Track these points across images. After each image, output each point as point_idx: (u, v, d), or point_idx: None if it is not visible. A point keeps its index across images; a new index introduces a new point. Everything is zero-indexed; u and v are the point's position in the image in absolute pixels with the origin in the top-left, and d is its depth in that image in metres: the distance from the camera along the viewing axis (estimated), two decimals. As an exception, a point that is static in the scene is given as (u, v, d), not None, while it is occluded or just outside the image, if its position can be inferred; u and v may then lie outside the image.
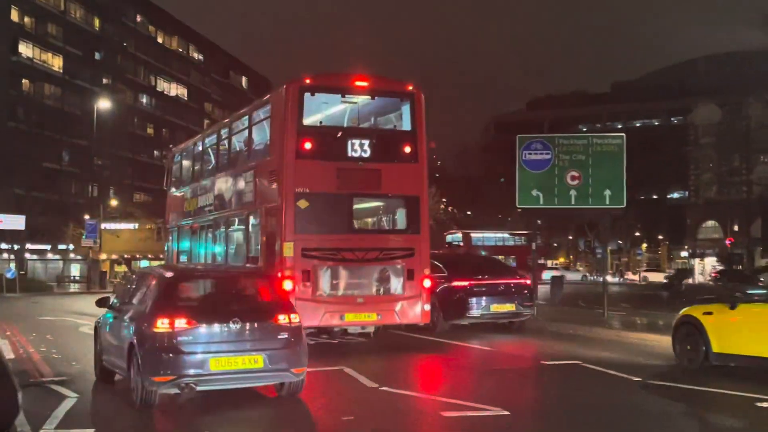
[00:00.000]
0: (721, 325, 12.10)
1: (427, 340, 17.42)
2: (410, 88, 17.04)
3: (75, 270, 74.21)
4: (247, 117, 18.62)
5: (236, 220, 18.38)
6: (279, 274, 15.36)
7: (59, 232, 69.15)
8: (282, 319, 10.01)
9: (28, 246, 70.20)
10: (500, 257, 65.67)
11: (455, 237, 70.26)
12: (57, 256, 76.18)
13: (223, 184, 19.40)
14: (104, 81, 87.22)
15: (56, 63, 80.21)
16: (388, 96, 17.31)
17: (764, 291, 11.97)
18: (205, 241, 20.56)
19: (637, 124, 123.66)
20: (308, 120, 16.46)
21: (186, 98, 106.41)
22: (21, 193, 66.88)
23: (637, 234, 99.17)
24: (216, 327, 9.62)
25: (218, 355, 9.53)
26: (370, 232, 17.46)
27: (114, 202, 71.82)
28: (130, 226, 62.64)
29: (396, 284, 16.27)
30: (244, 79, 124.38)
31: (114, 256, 65.35)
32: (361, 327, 16.52)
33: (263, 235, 16.61)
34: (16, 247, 63.91)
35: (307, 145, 15.93)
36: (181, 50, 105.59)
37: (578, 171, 22.25)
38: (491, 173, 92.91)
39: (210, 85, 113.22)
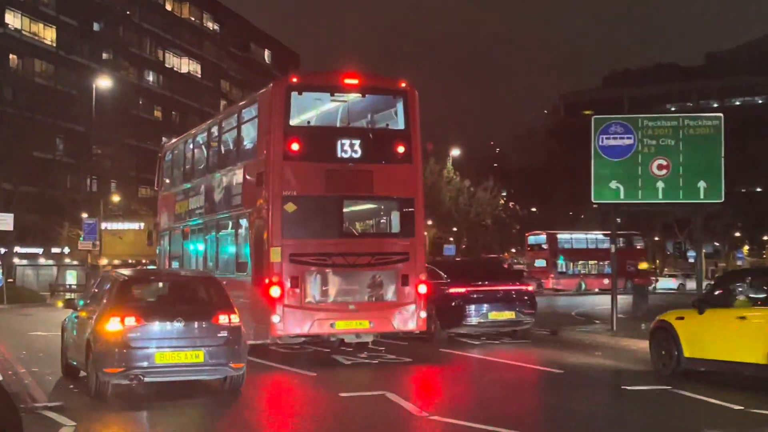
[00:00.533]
0: (691, 329, 14.30)
1: (445, 352, 18.92)
2: (403, 85, 18.81)
3: (71, 277, 75.12)
4: (236, 115, 20.35)
5: (226, 223, 20.22)
6: (266, 281, 17.26)
7: (53, 233, 70.10)
8: (222, 319, 13.00)
9: (17, 249, 71.18)
10: (592, 262, 65.48)
11: (538, 239, 70.05)
12: (50, 261, 77.22)
13: (213, 186, 21.18)
14: (104, 56, 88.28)
15: (48, 35, 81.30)
16: (380, 94, 19.06)
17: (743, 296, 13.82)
18: (196, 246, 22.45)
19: (737, 103, 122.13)
20: (296, 120, 18.22)
21: (199, 75, 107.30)
22: (8, 188, 67.78)
23: (737, 234, 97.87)
24: (162, 325, 12.68)
25: (163, 350, 12.54)
26: (361, 236, 19.10)
27: (116, 198, 72.56)
28: (135, 225, 63.21)
29: (390, 290, 17.79)
30: (267, 53, 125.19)
31: (116, 261, 66.27)
32: (355, 335, 17.85)
33: (252, 240, 18.32)
34: (2, 250, 64.86)
35: (295, 146, 17.60)
36: (193, 19, 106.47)
37: (666, 159, 22.00)
38: (560, 162, 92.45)
39: (227, 60, 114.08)
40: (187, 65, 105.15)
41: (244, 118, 19.77)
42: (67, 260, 75.15)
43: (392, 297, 17.85)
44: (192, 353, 12.70)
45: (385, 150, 18.44)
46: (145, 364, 12.47)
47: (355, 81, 18.67)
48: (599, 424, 11.28)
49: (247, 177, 18.99)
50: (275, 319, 17.16)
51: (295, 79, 18.26)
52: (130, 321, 12.60)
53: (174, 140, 27.46)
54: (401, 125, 18.71)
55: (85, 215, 61.06)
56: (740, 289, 14.11)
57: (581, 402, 12.81)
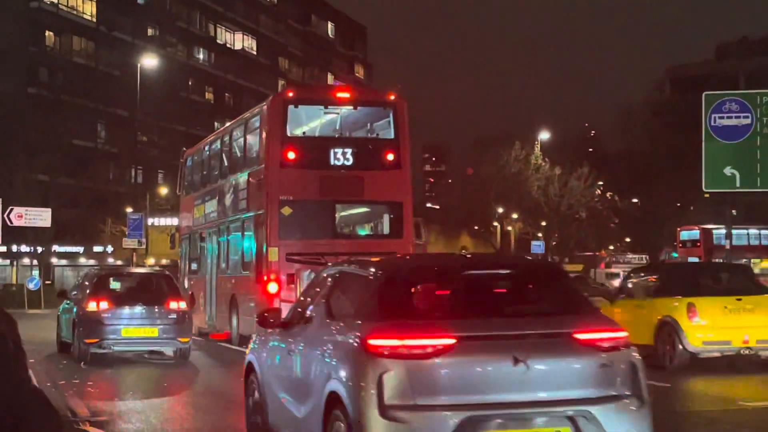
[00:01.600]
0: None
1: None
2: (392, 97, 23.06)
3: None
4: (243, 125, 24.61)
5: (235, 226, 24.61)
6: (265, 278, 21.50)
7: (94, 229, 71.19)
8: (172, 305, 20.30)
9: (55, 248, 72.51)
10: (755, 260, 64.50)
11: (691, 234, 69.37)
12: (92, 261, 78.39)
13: (225, 191, 25.62)
14: (149, 32, 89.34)
15: (88, 10, 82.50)
16: (371, 106, 23.38)
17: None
18: (212, 247, 27.06)
19: None
20: (293, 130, 22.48)
21: (255, 52, 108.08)
22: (45, 180, 68.97)
23: None
24: (127, 308, 20.11)
25: (128, 327, 19.80)
26: (353, 237, 23.18)
27: (164, 191, 73.46)
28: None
29: None
30: (330, 27, 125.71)
31: (165, 261, 67.03)
32: None
33: (254, 241, 22.62)
34: (39, 249, 66.11)
35: (291, 155, 21.76)
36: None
37: (790, 140, 21.56)
38: (666, 146, 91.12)
39: (286, 35, 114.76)
40: (241, 41, 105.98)
41: (249, 128, 23.91)
42: (110, 260, 76.23)
43: None
44: (149, 329, 19.97)
45: (375, 158, 22.44)
46: (114, 336, 19.74)
47: (346, 94, 23.37)
48: None
49: (251, 183, 23.15)
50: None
51: (291, 93, 23.12)
52: (104, 305, 20.02)
53: (193, 147, 32.17)
54: (391, 135, 22.73)
55: (129, 210, 61.73)
56: (641, 283, 19.64)
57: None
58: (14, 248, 72.20)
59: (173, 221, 68.70)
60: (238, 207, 24.22)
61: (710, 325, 17.52)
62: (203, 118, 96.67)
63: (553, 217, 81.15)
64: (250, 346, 10.58)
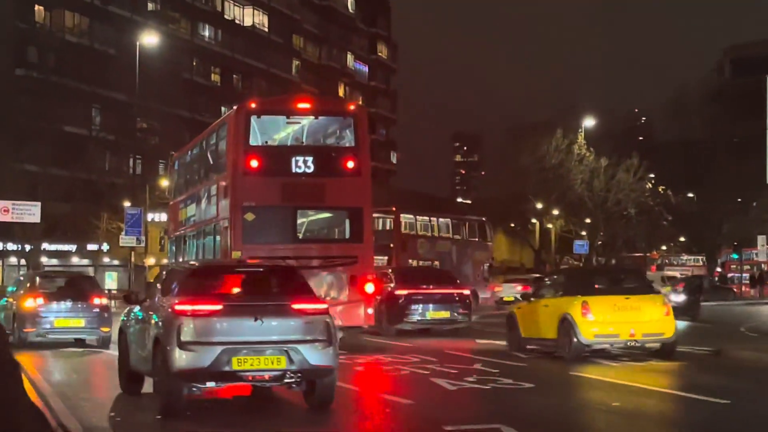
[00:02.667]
0: (522, 316, 24.40)
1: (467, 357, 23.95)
2: (352, 107, 27.96)
3: (111, 280, 76.59)
4: (215, 133, 28.19)
5: (208, 230, 27.90)
6: None
7: (88, 225, 71.37)
8: (96, 300, 27.53)
9: (45, 246, 72.72)
10: None
11: None
12: (86, 261, 78.69)
13: (201, 196, 29.18)
14: (149, 6, 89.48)
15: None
16: (331, 115, 27.33)
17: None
18: (191, 251, 30.50)
19: None
20: (257, 139, 25.89)
21: (266, 29, 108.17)
22: (34, 170, 69.23)
23: None
24: (58, 303, 27.11)
25: (59, 318, 26.93)
26: (314, 242, 26.72)
27: (165, 183, 73.60)
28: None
29: (339, 289, 25.04)
30: (350, 1, 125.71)
31: (166, 261, 67.14)
32: None
33: (223, 245, 25.62)
34: (28, 247, 66.44)
35: (254, 163, 25.01)
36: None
37: None
38: (726, 135, 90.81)
39: (301, 10, 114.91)
40: (251, 17, 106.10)
41: (220, 136, 27.39)
42: (106, 260, 76.50)
43: (341, 296, 24.99)
44: (76, 320, 27.06)
45: (335, 165, 25.74)
46: (48, 327, 26.84)
47: (307, 105, 27.29)
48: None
49: (219, 189, 26.58)
50: None
51: (254, 105, 26.39)
52: (39, 301, 27.05)
53: (180, 151, 35.46)
54: (352, 143, 26.25)
55: (127, 204, 61.84)
56: (550, 284, 24.75)
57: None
58: (0, 246, 72.51)
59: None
60: (210, 212, 27.68)
61: (601, 321, 21.76)
62: (209, 103, 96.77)
63: (599, 213, 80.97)
64: (122, 316, 17.34)
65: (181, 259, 32.32)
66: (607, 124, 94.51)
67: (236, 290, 15.21)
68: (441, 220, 57.83)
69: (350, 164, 25.69)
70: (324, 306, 14.87)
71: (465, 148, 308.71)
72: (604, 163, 79.54)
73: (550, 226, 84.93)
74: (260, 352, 13.64)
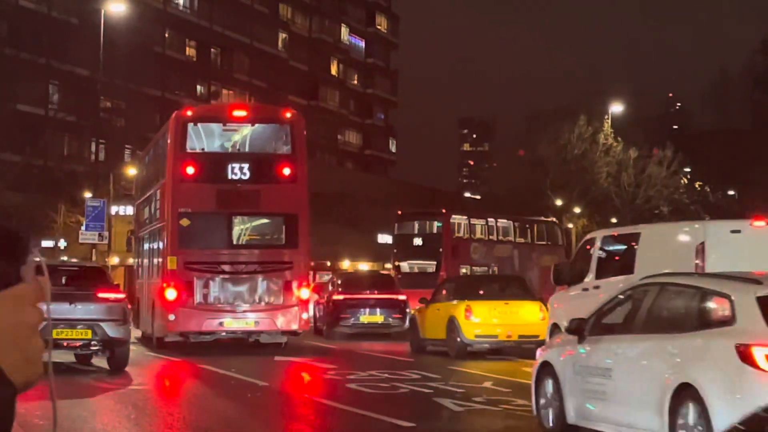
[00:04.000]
0: (422, 318, 29.97)
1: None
2: (288, 114, 30.91)
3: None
4: (161, 137, 32.19)
5: (153, 234, 32.67)
6: (164, 285, 29.10)
7: (44, 219, 71.23)
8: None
9: (-6, 242, 72.74)
10: None
11: None
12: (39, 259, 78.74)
13: (151, 199, 33.69)
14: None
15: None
16: (268, 123, 31.52)
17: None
18: (144, 252, 35.48)
19: None
20: (193, 146, 30.00)
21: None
22: (-18, 155, 69.14)
23: None
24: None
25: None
26: (249, 247, 30.62)
27: (132, 171, 73.52)
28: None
29: (274, 294, 28.99)
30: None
31: (132, 260, 67.01)
32: (257, 335, 29.73)
33: (162, 249, 30.20)
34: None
35: (190, 170, 29.03)
36: None
37: None
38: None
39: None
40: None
41: (165, 141, 30.98)
42: (64, 258, 76.42)
43: (277, 300, 28.97)
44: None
45: (272, 172, 29.58)
46: None
47: (243, 113, 32.11)
48: None
49: (160, 194, 30.89)
50: (171, 317, 28.65)
51: (189, 113, 30.64)
52: None
53: (144, 149, 40.24)
54: (288, 150, 30.16)
55: (88, 195, 61.78)
56: (444, 290, 29.94)
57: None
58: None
59: (143, 210, 68.92)
60: (155, 216, 32.09)
61: (482, 323, 27.62)
62: (183, 80, 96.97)
63: (627, 211, 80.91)
64: None
65: (138, 261, 38.64)
66: (638, 111, 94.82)
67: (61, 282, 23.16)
68: (502, 222, 58.46)
69: (286, 171, 29.59)
70: (121, 296, 24.07)
71: (474, 135, 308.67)
72: (634, 155, 79.58)
73: (570, 225, 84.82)
74: (73, 326, 22.23)
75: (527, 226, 59.69)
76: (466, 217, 57.07)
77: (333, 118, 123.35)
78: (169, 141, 29.83)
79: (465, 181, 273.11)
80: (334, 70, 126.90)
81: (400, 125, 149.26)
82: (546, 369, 14.98)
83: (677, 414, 12.19)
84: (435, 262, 52.24)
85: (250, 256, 29.54)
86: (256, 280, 28.98)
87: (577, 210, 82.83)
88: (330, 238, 72.58)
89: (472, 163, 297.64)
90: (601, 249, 24.02)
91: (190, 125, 29.87)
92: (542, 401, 14.93)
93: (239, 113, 31.83)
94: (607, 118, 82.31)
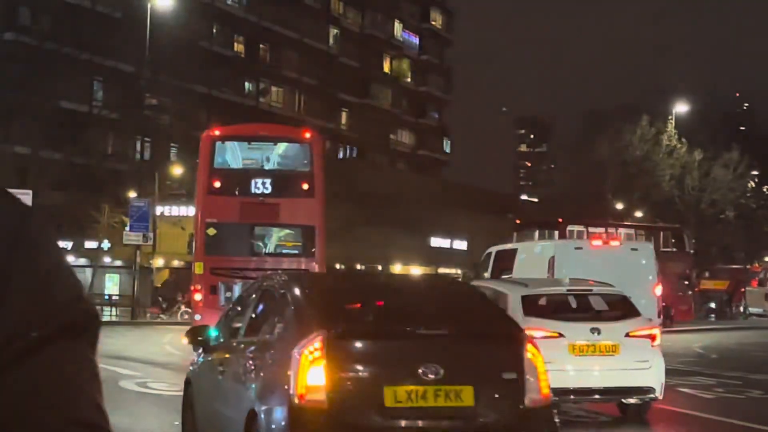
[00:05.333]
0: None
1: None
2: (308, 135, 35.21)
3: (112, 284, 76.80)
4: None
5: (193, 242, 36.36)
6: (192, 288, 33.39)
7: (86, 219, 71.57)
8: None
9: (36, 242, 73.04)
10: None
11: None
12: (82, 261, 79.01)
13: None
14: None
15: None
16: (289, 142, 35.42)
17: None
18: None
19: None
20: (220, 162, 33.80)
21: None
22: (23, 153, 69.51)
23: None
24: None
25: None
26: (269, 255, 34.13)
27: (178, 170, 73.81)
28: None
29: None
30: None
31: (177, 263, 67.27)
32: None
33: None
34: (15, 243, 66.58)
35: (217, 184, 32.95)
36: None
37: None
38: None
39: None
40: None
41: (197, 158, 35.67)
42: (107, 260, 76.78)
43: None
44: None
45: (291, 187, 33.32)
46: None
47: (267, 133, 37.48)
48: None
49: (195, 205, 35.74)
50: (197, 317, 31.52)
51: (218, 132, 34.86)
52: None
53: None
54: (307, 167, 33.72)
55: (132, 194, 62.16)
56: None
57: None
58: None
59: (189, 211, 68.92)
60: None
61: None
62: (231, 77, 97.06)
63: (690, 216, 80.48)
64: None
65: None
66: (703, 111, 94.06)
67: None
68: (623, 230, 58.73)
69: (305, 186, 33.42)
70: None
71: (532, 136, 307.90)
72: (698, 157, 79.14)
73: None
74: None
75: (651, 233, 59.63)
76: (583, 227, 57.48)
77: (385, 117, 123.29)
78: (199, 157, 34.51)
79: (522, 183, 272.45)
80: (386, 67, 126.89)
81: (454, 125, 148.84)
82: None
83: None
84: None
85: (269, 263, 32.94)
86: None
87: (638, 215, 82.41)
88: (381, 241, 72.71)
89: (529, 164, 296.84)
90: (495, 257, 33.39)
91: (218, 143, 34.25)
92: None
93: (264, 132, 37.51)
94: (671, 118, 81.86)
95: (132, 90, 71.89)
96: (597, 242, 30.81)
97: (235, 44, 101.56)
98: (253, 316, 13.08)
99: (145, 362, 30.02)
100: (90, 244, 75.58)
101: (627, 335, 18.56)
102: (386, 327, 11.27)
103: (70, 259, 78.51)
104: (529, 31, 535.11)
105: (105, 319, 57.89)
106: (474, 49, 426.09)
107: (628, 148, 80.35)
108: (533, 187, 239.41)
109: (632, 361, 18.51)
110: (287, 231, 35.08)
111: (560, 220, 57.11)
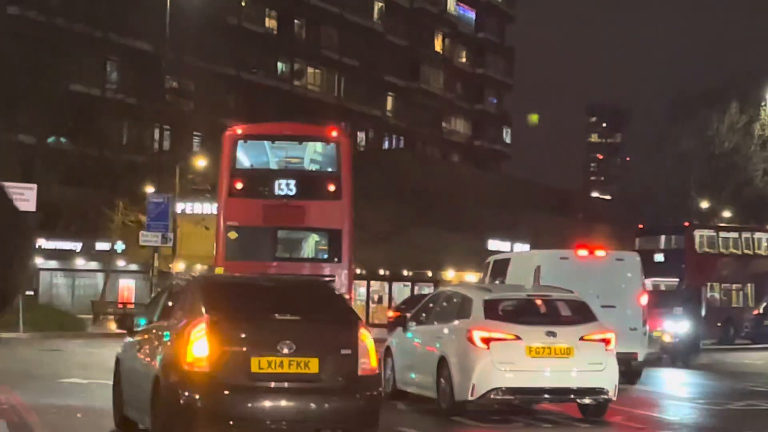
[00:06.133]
0: None
1: None
2: (334, 133, 37.16)
3: (126, 291, 76.98)
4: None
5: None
6: None
7: (98, 217, 71.82)
8: None
9: (42, 243, 73.38)
10: None
11: None
12: (94, 264, 79.32)
13: None
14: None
15: None
16: (314, 141, 37.29)
17: None
18: None
19: None
20: (242, 163, 35.56)
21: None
22: (29, 142, 69.80)
23: None
24: None
25: None
26: (292, 260, 35.61)
27: (201, 162, 73.90)
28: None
29: None
30: None
31: (200, 266, 67.31)
32: None
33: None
34: (19, 244, 66.84)
35: (239, 185, 34.49)
36: None
37: None
38: None
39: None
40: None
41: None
42: (121, 263, 77.03)
43: None
44: None
45: (317, 188, 34.97)
46: None
47: (290, 131, 38.68)
48: None
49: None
50: None
51: (239, 131, 36.61)
52: None
53: None
54: (333, 168, 35.51)
55: (150, 190, 62.26)
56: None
57: None
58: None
59: (213, 208, 69.01)
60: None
61: None
62: (262, 56, 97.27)
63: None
64: None
65: None
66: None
67: None
68: (761, 234, 60.08)
69: (331, 188, 34.98)
70: None
71: (604, 125, 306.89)
72: (795, 150, 78.69)
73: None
74: None
75: None
76: (713, 231, 59.30)
77: (436, 102, 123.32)
78: (221, 158, 36.34)
79: (593, 178, 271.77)
80: (438, 47, 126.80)
81: (516, 112, 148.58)
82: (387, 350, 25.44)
83: (440, 376, 21.92)
84: (677, 279, 53.78)
85: (293, 269, 34.01)
86: None
87: (726, 214, 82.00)
88: (432, 243, 72.50)
89: (600, 157, 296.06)
90: (493, 266, 36.27)
91: (240, 142, 36.06)
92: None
93: (288, 131, 38.98)
94: (765, 105, 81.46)
95: (150, 72, 71.95)
96: (582, 252, 33.38)
97: (267, 20, 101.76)
98: (165, 307, 18.15)
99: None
100: (102, 246, 75.92)
101: (581, 339, 21.69)
102: (253, 314, 16.50)
103: (80, 262, 78.93)
104: (603, 6, 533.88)
105: (118, 330, 57.84)
106: (539, 26, 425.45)
107: (715, 139, 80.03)
108: (604, 184, 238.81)
109: (586, 363, 21.70)
110: (312, 234, 37.00)
111: (686, 224, 58.90)
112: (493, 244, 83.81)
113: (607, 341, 22.01)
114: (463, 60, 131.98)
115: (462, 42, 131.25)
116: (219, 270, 34.11)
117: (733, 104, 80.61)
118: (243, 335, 16.17)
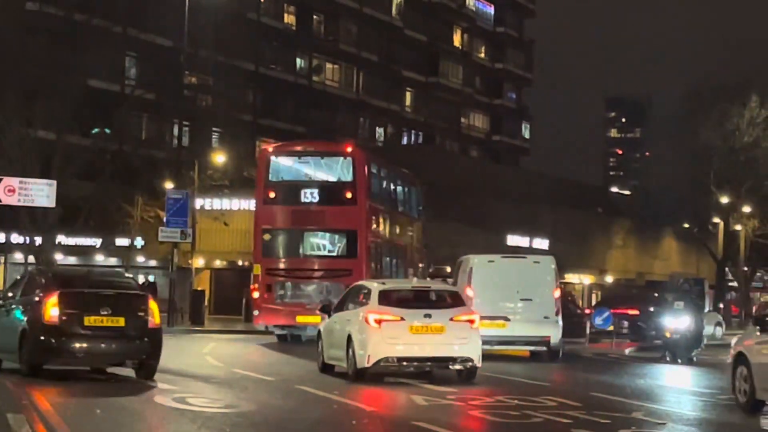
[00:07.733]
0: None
1: None
2: (349, 149, 45.65)
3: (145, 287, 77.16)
4: None
5: None
6: (251, 287, 46.62)
7: (118, 213, 71.97)
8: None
9: (61, 240, 73.41)
10: None
11: None
12: (114, 260, 79.44)
13: None
14: None
15: None
16: (334, 156, 46.42)
17: None
18: None
19: None
20: (275, 175, 44.92)
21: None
22: (48, 138, 69.89)
23: None
24: None
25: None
26: (316, 257, 45.29)
27: (220, 158, 73.95)
28: (252, 203, 64.15)
29: (336, 295, 37.62)
30: None
31: (219, 263, 67.21)
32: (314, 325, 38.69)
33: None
34: (38, 240, 67.13)
35: (271, 195, 44.20)
36: None
37: None
38: None
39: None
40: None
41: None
42: (140, 259, 77.18)
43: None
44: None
45: (336, 196, 44.01)
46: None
47: (313, 148, 49.23)
48: None
49: None
50: (256, 312, 44.15)
51: (271, 149, 47.37)
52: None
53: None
54: (350, 178, 44.20)
55: (169, 185, 62.30)
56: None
57: None
58: (2, 237, 73.43)
59: (233, 204, 69.09)
60: None
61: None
62: (281, 52, 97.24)
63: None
64: None
65: None
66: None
67: None
68: None
69: (348, 195, 43.77)
70: None
71: (623, 119, 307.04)
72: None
73: (738, 227, 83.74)
74: None
75: None
76: None
77: (455, 97, 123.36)
78: (256, 171, 46.33)
79: (612, 173, 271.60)
80: (457, 41, 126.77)
81: (535, 107, 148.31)
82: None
83: (348, 349, 27.91)
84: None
85: (317, 264, 44.85)
86: (323, 284, 44.36)
87: (746, 209, 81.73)
88: (451, 238, 72.43)
89: (620, 152, 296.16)
90: (459, 265, 40.36)
91: (272, 158, 45.55)
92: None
93: (311, 148, 49.36)
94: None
95: (169, 67, 72.03)
96: (506, 256, 41.45)
97: (286, 15, 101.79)
98: (25, 287, 27.87)
99: (183, 375, 28.20)
100: (121, 242, 76.17)
101: (451, 319, 27.92)
102: (85, 290, 26.11)
103: (99, 258, 79.05)
104: (621, 0, 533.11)
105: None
106: (559, 20, 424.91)
107: (736, 134, 79.85)
108: (624, 179, 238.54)
109: (455, 338, 27.96)
110: (332, 235, 45.75)
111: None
112: (512, 239, 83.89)
113: (471, 321, 28.65)
114: (482, 54, 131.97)
115: (481, 36, 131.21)
116: (257, 267, 44.20)
117: (754, 98, 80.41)
118: (78, 303, 25.58)
